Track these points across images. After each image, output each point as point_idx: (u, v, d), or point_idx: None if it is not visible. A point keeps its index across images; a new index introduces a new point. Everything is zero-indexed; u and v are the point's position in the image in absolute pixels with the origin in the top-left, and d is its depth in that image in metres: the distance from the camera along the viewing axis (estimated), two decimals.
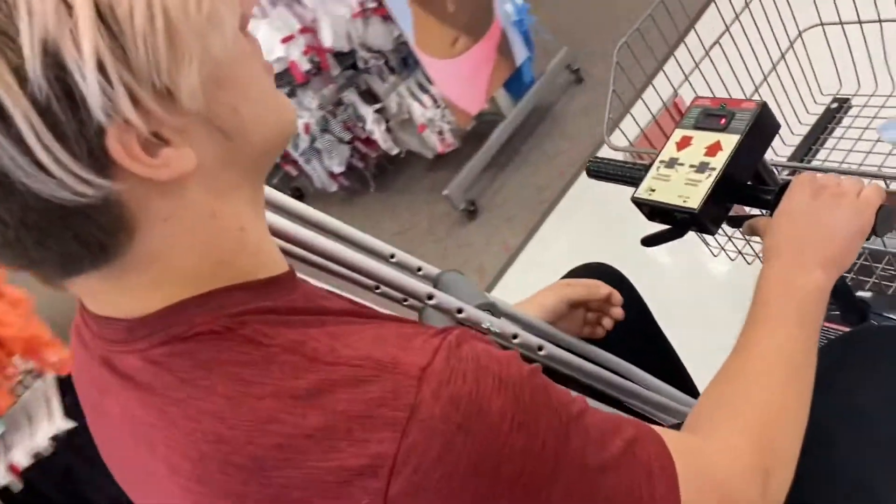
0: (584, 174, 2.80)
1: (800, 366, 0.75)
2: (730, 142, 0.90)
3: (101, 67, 0.45)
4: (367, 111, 3.02)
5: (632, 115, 1.29)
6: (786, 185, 0.88)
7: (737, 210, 1.01)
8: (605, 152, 1.16)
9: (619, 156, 1.17)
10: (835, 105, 1.47)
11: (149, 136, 0.48)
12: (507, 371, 0.52)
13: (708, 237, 1.33)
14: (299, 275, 0.65)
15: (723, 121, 0.92)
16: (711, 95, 1.23)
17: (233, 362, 0.52)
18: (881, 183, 0.89)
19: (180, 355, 0.53)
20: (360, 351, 0.52)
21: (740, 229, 0.98)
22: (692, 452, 0.63)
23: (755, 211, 0.99)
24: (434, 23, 2.63)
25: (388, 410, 0.48)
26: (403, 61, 2.89)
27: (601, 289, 1.10)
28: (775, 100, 1.40)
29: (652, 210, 0.94)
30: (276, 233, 0.78)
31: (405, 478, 0.48)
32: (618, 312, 1.10)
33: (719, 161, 0.89)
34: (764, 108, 0.90)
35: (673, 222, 0.94)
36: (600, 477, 0.55)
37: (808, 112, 1.49)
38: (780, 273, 0.81)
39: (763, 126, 0.91)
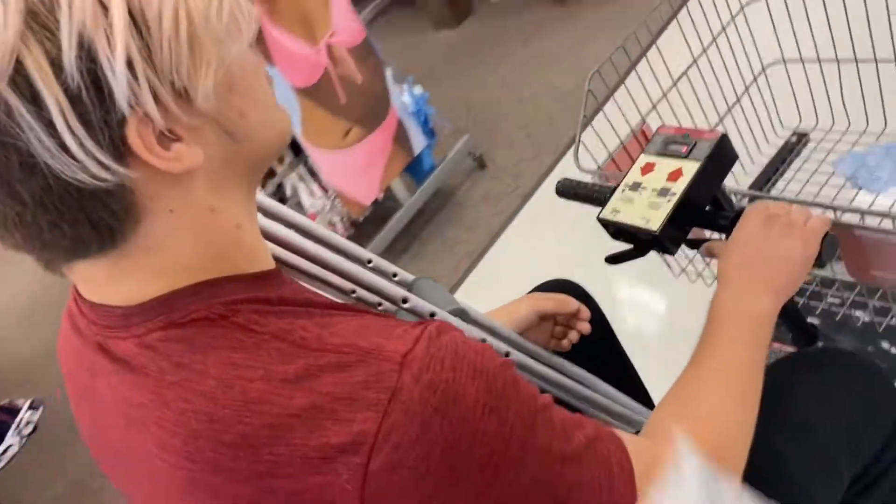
0: (479, 265, 2.84)
1: (747, 382, 0.81)
2: (690, 169, 0.96)
3: (129, 64, 0.50)
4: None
5: (601, 140, 1.34)
6: (741, 211, 0.94)
7: (697, 233, 1.07)
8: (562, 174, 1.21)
9: (588, 178, 1.23)
10: (794, 139, 1.55)
11: (164, 131, 0.53)
12: (482, 361, 0.57)
13: (670, 260, 1.39)
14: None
15: (685, 149, 0.98)
16: (678, 124, 1.30)
17: (225, 347, 0.56)
18: (829, 213, 0.96)
19: (175, 340, 0.57)
20: (345, 339, 0.56)
21: (698, 251, 1.04)
22: (647, 453, 0.67)
23: (715, 235, 1.06)
24: (324, 114, 2.53)
25: (371, 393, 0.53)
26: (293, 148, 2.74)
27: (571, 304, 1.15)
28: (738, 131, 1.48)
29: (616, 230, 1.00)
30: (263, 233, 0.82)
31: (385, 455, 0.52)
32: (585, 327, 1.16)
33: (679, 186, 0.95)
34: (723, 139, 0.96)
35: (635, 242, 1.00)
36: (563, 467, 0.59)
37: (768, 143, 1.57)
38: (732, 296, 0.87)
39: (722, 155, 0.97)
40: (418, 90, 2.93)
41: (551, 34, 3.86)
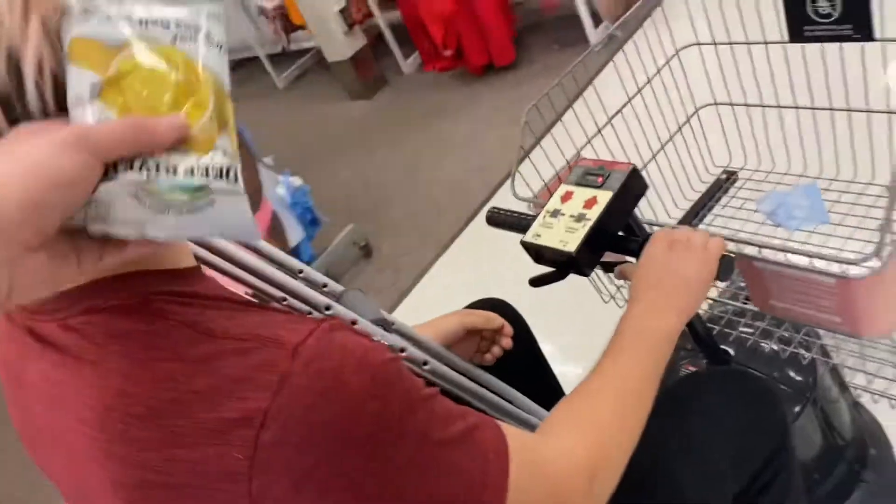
0: None
1: (640, 392, 0.87)
2: (604, 197, 1.04)
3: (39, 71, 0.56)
4: None
5: (537, 171, 1.42)
6: (648, 236, 1.02)
7: (617, 258, 1.15)
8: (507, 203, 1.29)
9: (524, 205, 1.31)
10: (724, 176, 1.64)
11: None
12: (370, 354, 0.63)
13: (601, 287, 1.47)
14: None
15: (600, 179, 1.06)
16: (612, 158, 1.38)
17: (140, 332, 0.62)
18: (739, 247, 1.04)
19: (96, 324, 0.63)
20: (247, 329, 0.62)
21: (612, 274, 1.11)
22: (529, 447, 0.74)
23: (632, 259, 1.13)
24: None
25: (265, 375, 0.59)
26: None
27: (496, 320, 1.23)
28: (671, 167, 1.56)
29: (537, 253, 1.07)
30: (203, 244, 0.88)
31: (273, 431, 0.58)
32: (507, 343, 1.23)
33: (594, 213, 1.03)
34: (634, 171, 1.04)
35: (555, 265, 1.08)
36: (439, 451, 0.65)
37: (700, 181, 1.65)
38: (638, 315, 0.95)
39: (633, 185, 1.05)
40: (297, 181, 2.86)
41: (452, 117, 3.95)
